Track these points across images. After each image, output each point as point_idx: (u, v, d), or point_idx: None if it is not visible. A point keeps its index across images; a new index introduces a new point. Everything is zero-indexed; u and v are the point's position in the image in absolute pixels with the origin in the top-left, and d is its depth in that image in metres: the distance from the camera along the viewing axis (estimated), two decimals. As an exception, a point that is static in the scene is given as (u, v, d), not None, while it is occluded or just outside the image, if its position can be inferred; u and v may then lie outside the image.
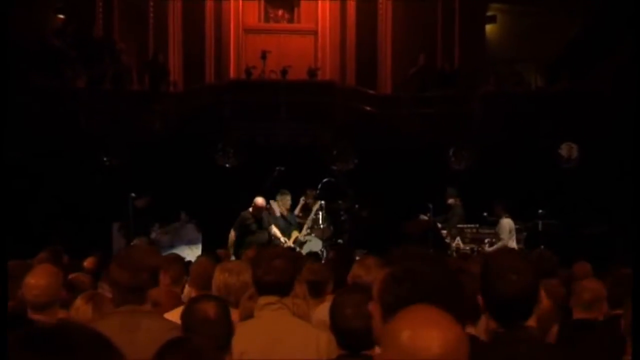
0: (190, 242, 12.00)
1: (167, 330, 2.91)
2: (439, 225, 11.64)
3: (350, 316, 2.80)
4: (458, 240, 11.30)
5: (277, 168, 12.01)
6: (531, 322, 2.50)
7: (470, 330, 3.45)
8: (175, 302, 4.33)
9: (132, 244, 10.76)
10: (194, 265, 4.92)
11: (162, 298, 4.24)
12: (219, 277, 4.05)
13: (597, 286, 4.33)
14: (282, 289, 3.37)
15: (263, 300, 3.36)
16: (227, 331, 2.82)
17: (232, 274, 4.04)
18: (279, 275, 3.34)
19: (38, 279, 3.80)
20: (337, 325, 2.86)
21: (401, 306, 1.69)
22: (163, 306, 4.03)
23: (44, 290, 3.78)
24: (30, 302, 3.80)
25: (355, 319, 2.78)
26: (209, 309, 2.83)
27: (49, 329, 1.35)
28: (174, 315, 3.39)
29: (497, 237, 11.05)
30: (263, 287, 3.38)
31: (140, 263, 3.16)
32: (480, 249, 10.98)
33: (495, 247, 10.84)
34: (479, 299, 2.57)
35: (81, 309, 3.86)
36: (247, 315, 3.59)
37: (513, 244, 10.91)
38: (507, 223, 10.95)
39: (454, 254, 10.78)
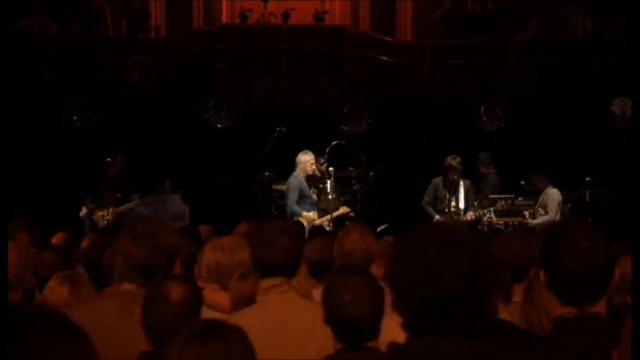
0: (175, 216, 11.98)
1: None
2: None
3: (349, 303, 2.74)
4: (490, 212, 11.26)
5: (278, 129, 11.98)
6: (600, 307, 2.38)
7: (504, 315, 3.37)
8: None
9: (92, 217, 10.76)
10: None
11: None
12: (210, 256, 4.08)
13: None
14: (288, 269, 3.38)
15: (267, 282, 3.36)
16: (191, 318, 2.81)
17: (224, 252, 4.05)
18: (284, 255, 3.34)
19: None
20: (334, 314, 2.78)
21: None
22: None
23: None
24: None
25: (356, 306, 2.73)
26: (172, 291, 2.80)
27: None
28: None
29: (541, 209, 11.02)
30: (266, 269, 3.38)
31: (158, 241, 3.20)
32: (525, 221, 10.93)
33: (540, 220, 10.82)
34: (541, 274, 2.45)
35: (55, 291, 3.93)
36: (239, 298, 3.54)
37: (558, 218, 10.91)
38: (555, 194, 10.96)
39: (485, 228, 10.78)
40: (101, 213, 11.08)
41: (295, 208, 10.72)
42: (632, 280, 2.90)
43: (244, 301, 3.54)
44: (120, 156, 11.44)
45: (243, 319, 3.23)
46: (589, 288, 2.37)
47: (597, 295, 2.38)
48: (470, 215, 11.13)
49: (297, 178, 10.86)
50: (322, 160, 11.42)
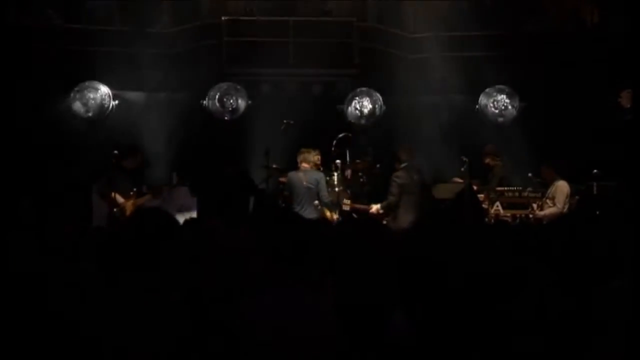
0: (182, 209, 12.00)
1: None
2: (475, 187, 11.62)
3: (359, 294, 2.86)
4: (497, 205, 11.26)
5: (285, 121, 11.98)
6: None
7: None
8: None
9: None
10: None
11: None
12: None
13: None
14: (298, 257, 3.44)
15: (278, 269, 3.43)
16: None
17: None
18: (294, 243, 3.42)
19: None
20: (344, 304, 2.87)
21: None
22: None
23: None
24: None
25: (366, 296, 2.84)
26: None
27: None
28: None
29: (549, 201, 11.01)
30: (278, 256, 3.45)
31: None
32: (532, 214, 10.92)
33: (547, 211, 10.83)
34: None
35: None
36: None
37: (565, 210, 10.90)
38: (564, 186, 10.96)
39: (492, 221, 10.76)
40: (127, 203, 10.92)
41: None
42: (632, 277, 2.94)
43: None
44: (140, 152, 11.30)
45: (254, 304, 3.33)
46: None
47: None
48: None
49: None
50: (314, 153, 11.45)
